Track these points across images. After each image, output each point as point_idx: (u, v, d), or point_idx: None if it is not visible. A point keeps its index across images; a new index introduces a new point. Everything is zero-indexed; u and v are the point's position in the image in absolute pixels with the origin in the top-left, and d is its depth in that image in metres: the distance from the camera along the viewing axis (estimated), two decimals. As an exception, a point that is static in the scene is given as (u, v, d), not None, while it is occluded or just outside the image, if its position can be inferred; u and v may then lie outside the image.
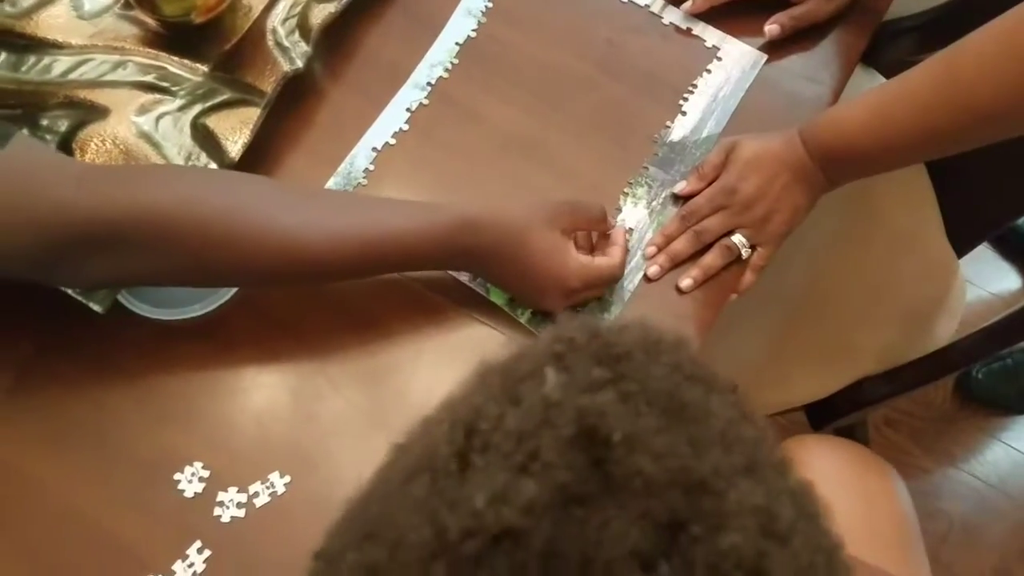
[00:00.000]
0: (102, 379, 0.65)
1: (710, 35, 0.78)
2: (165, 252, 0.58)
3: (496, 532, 0.22)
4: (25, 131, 0.68)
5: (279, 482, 0.62)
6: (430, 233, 0.61)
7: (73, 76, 0.72)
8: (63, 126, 0.69)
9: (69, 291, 0.63)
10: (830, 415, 1.04)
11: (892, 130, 0.64)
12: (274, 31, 0.75)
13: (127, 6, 0.75)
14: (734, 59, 0.77)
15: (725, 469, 0.24)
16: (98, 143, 0.69)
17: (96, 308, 0.63)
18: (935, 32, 0.96)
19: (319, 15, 0.75)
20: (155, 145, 0.69)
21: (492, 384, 0.26)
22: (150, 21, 0.74)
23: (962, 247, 0.99)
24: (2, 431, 0.63)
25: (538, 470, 0.23)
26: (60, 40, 0.73)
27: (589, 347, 0.26)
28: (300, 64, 0.72)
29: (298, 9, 0.75)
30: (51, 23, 0.74)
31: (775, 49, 0.77)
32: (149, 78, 0.72)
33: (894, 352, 0.99)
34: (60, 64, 0.72)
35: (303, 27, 0.74)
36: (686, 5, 0.78)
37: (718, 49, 0.77)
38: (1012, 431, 1.50)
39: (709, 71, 0.77)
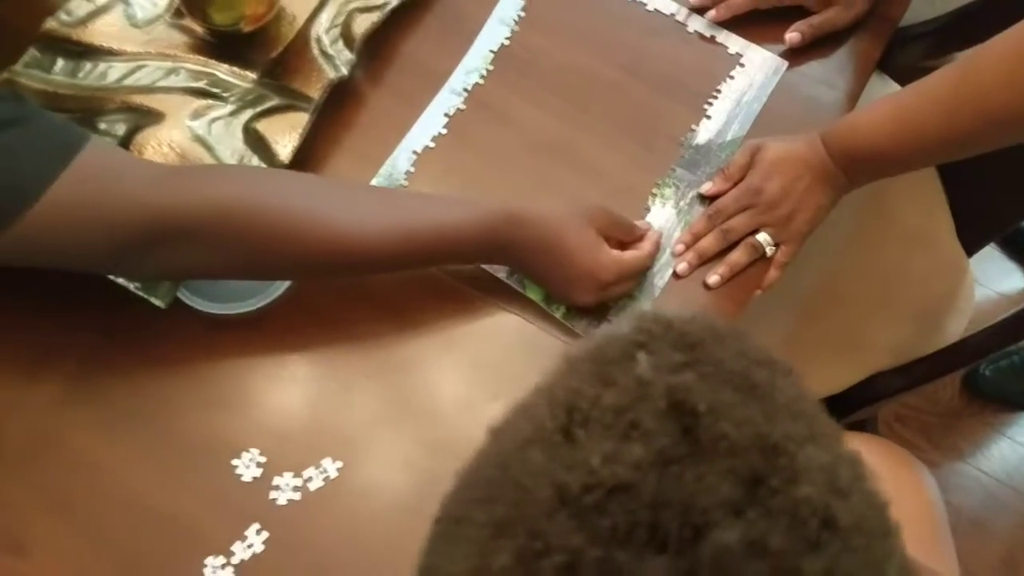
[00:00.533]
0: (160, 369, 0.68)
1: (733, 42, 0.82)
2: (226, 245, 0.61)
3: (611, 486, 0.26)
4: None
5: (331, 467, 0.66)
6: (475, 226, 0.65)
7: (128, 82, 0.75)
8: (121, 130, 0.73)
9: (131, 287, 0.67)
10: (843, 409, 1.07)
11: (913, 134, 0.67)
12: (318, 40, 0.78)
13: (177, 15, 0.78)
14: (757, 65, 0.81)
15: (793, 435, 0.28)
16: (155, 146, 0.72)
17: (158, 303, 0.67)
18: (945, 38, 1.00)
19: (362, 24, 0.78)
20: (208, 148, 0.73)
21: (583, 370, 0.31)
22: (199, 29, 0.78)
23: (971, 247, 1.02)
24: (65, 417, 0.67)
25: (639, 436, 0.27)
26: (115, 47, 0.76)
27: (666, 336, 0.31)
28: (345, 72, 0.76)
29: (341, 19, 0.79)
30: (105, 31, 0.77)
31: (795, 56, 0.81)
32: (200, 84, 0.76)
33: (907, 347, 1.03)
34: (115, 71, 0.76)
35: (346, 36, 0.78)
36: (710, 13, 0.81)
37: (741, 56, 0.81)
38: (1018, 426, 1.54)
39: (732, 77, 0.80)
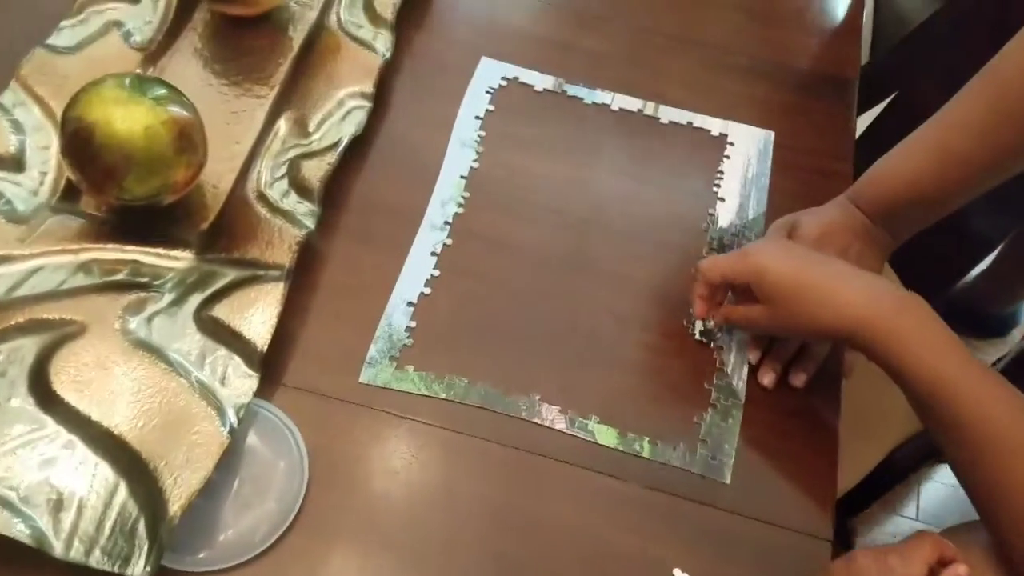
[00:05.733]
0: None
1: (711, 124, 0.75)
2: None
3: None
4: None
5: None
6: None
7: (23, 292, 0.57)
8: (30, 355, 0.54)
9: (91, 562, 0.47)
10: (878, 490, 0.99)
11: (958, 166, 0.61)
12: (261, 196, 0.64)
13: (66, 197, 0.62)
14: (745, 140, 0.74)
15: None
16: (77, 367, 0.54)
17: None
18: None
19: (314, 170, 0.65)
20: (155, 351, 0.55)
21: None
22: (97, 213, 0.61)
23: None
24: None
25: None
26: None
27: None
28: (311, 225, 0.62)
29: (283, 170, 0.65)
30: (-24, 236, 0.59)
31: (779, 124, 0.75)
32: (120, 276, 0.59)
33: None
34: (2, 281, 0.57)
35: (300, 187, 0.64)
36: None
37: (726, 135, 0.75)
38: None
39: (728, 156, 0.73)
